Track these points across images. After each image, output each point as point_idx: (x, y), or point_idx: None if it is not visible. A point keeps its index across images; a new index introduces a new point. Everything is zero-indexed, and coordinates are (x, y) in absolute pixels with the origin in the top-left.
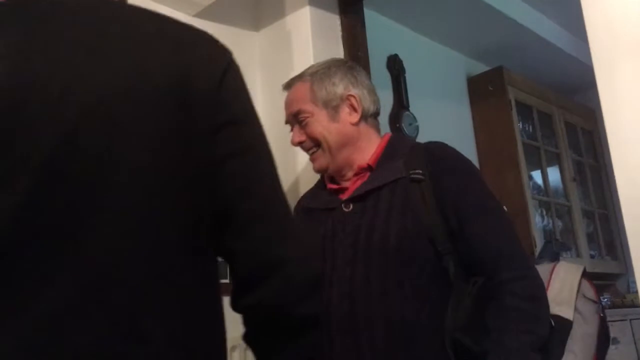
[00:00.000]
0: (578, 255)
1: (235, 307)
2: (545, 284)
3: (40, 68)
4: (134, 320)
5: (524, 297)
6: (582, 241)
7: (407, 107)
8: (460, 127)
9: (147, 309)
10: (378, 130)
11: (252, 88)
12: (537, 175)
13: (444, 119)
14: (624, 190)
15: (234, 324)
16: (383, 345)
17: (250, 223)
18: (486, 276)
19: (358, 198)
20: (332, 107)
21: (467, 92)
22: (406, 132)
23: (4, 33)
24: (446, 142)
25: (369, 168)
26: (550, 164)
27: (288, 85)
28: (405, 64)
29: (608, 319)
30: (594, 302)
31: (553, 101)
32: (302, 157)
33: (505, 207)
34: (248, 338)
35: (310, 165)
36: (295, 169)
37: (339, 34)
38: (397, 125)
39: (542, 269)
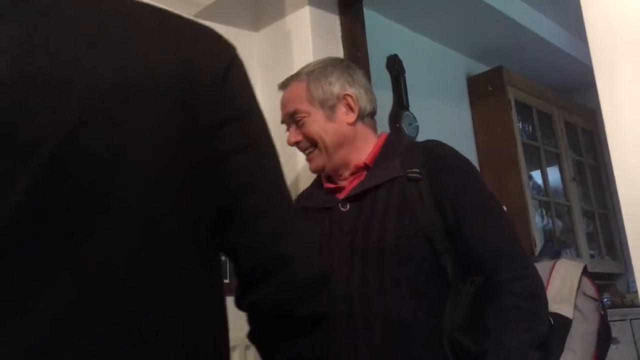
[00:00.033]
0: (578, 255)
1: (239, 304)
2: (545, 282)
3: (42, 62)
4: (134, 320)
5: (524, 296)
6: (582, 241)
7: (406, 107)
8: (460, 127)
9: (148, 309)
10: (375, 129)
11: None
12: (537, 175)
13: (444, 119)
14: (623, 190)
15: (233, 324)
16: (380, 344)
17: (254, 218)
18: (485, 276)
19: (355, 197)
20: (329, 107)
21: (467, 92)
22: (406, 132)
23: (6, 27)
24: (446, 142)
25: (365, 167)
26: (550, 164)
27: (284, 85)
28: (405, 64)
29: (608, 319)
30: (595, 299)
31: (553, 101)
32: (302, 156)
33: (504, 207)
34: (253, 337)
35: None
36: (295, 168)
37: (339, 34)
38: (397, 125)
39: (542, 266)
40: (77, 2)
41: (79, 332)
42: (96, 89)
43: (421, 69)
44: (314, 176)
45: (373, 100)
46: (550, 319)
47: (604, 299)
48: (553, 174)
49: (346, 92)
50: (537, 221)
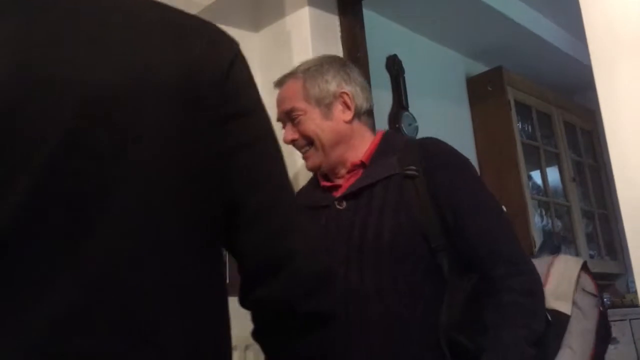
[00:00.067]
0: (577, 255)
1: (243, 302)
2: (543, 278)
3: (41, 60)
4: (134, 320)
5: (522, 293)
6: (582, 241)
7: (406, 108)
8: (460, 127)
9: (148, 309)
10: (371, 127)
11: None
12: (536, 175)
13: (444, 119)
14: (623, 190)
15: (233, 324)
16: (378, 342)
17: (259, 216)
18: (483, 272)
19: (351, 195)
20: (325, 105)
21: (467, 92)
22: (405, 132)
23: (5, 22)
24: (445, 142)
25: (362, 165)
26: (549, 164)
27: (280, 83)
28: (405, 64)
29: (608, 316)
30: (594, 295)
31: (552, 101)
32: (299, 154)
33: (504, 207)
34: (257, 335)
35: None
36: (292, 166)
37: (338, 34)
38: (397, 125)
39: (541, 261)
40: None
41: (79, 332)
42: (96, 87)
43: (421, 69)
44: (310, 174)
45: (369, 98)
46: (548, 315)
47: (604, 297)
48: (552, 174)
49: (342, 90)
50: (537, 221)
